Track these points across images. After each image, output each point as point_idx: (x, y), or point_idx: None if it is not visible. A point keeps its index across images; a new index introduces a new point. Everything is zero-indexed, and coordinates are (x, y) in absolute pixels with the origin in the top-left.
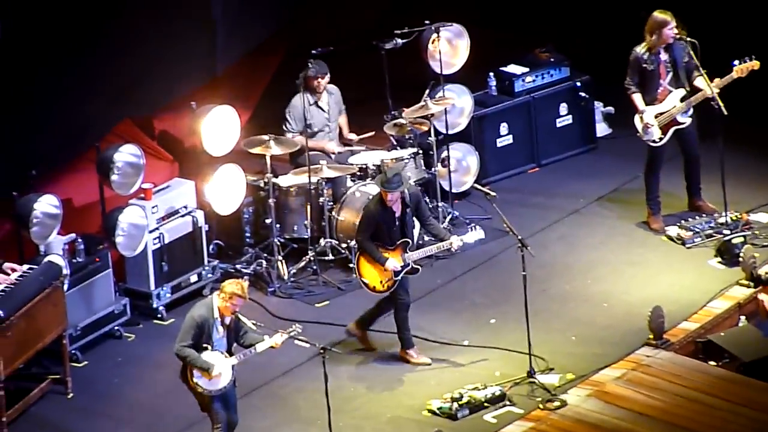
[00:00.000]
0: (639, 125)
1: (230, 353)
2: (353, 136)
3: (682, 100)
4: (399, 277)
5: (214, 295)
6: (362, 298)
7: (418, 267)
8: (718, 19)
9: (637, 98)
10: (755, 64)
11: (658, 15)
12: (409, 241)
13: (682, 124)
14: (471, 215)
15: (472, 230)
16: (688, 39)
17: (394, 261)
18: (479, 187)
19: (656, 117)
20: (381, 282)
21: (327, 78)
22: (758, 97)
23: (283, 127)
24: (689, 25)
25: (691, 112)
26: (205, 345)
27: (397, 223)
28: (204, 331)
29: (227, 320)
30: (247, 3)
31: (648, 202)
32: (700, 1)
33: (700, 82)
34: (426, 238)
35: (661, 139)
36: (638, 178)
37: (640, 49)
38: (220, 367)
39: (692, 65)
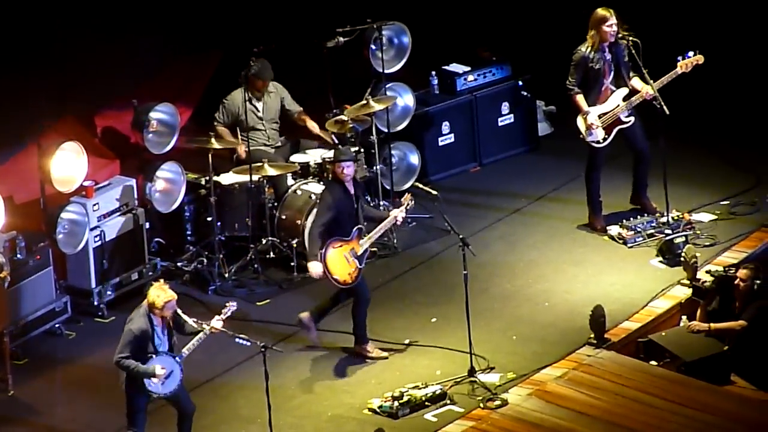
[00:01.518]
0: (582, 126)
1: (173, 349)
2: (315, 126)
3: (625, 99)
4: (363, 265)
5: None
6: (304, 296)
7: (375, 250)
8: (663, 16)
9: (581, 99)
10: (699, 59)
11: (599, 11)
12: (362, 227)
13: (626, 123)
14: (413, 214)
15: (405, 201)
16: (630, 38)
17: (356, 248)
18: (421, 186)
19: (600, 117)
20: (349, 273)
21: (269, 82)
22: (699, 97)
23: (215, 115)
24: (634, 22)
25: (632, 111)
26: (150, 353)
27: (353, 205)
28: (145, 342)
29: (164, 321)
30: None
31: (589, 202)
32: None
33: (636, 82)
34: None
35: (605, 139)
36: (580, 178)
37: (585, 49)
38: (168, 368)
39: (632, 64)
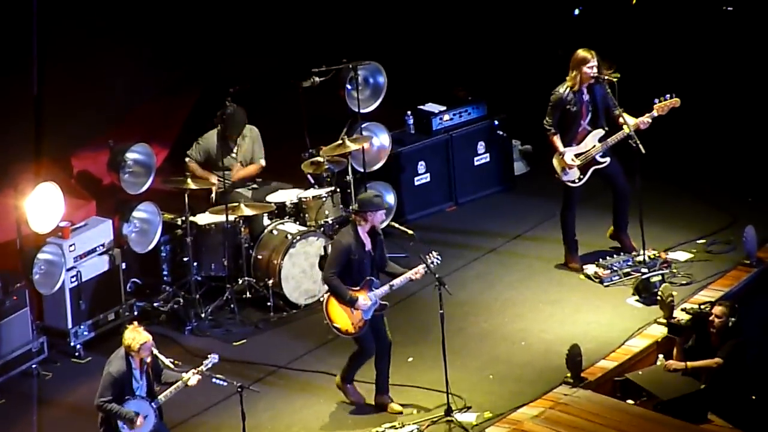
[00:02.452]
0: (558, 166)
1: (152, 395)
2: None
3: (601, 140)
4: (369, 317)
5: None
6: (281, 336)
7: (386, 303)
8: (640, 58)
9: (557, 139)
10: (676, 102)
11: (580, 52)
12: (374, 278)
13: (601, 163)
14: (389, 254)
15: (429, 257)
16: (607, 78)
17: (363, 299)
18: (397, 225)
19: (576, 157)
20: (352, 324)
21: (242, 130)
22: (675, 136)
23: (188, 151)
24: (612, 63)
25: (608, 152)
26: (127, 397)
27: (368, 257)
28: (124, 384)
29: (144, 365)
30: (164, 44)
31: (565, 242)
32: (622, 40)
33: (627, 118)
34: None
35: (580, 179)
36: (555, 217)
37: (564, 90)
38: (143, 413)
39: (611, 104)
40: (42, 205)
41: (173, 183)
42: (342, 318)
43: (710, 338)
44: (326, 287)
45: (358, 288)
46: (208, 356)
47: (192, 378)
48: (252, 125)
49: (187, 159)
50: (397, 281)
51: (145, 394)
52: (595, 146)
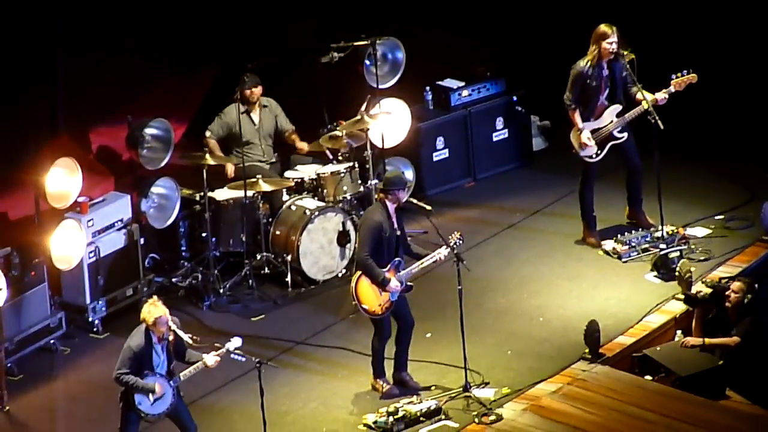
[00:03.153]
0: (575, 142)
1: (171, 373)
2: (304, 146)
3: (618, 115)
4: (395, 298)
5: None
6: (299, 312)
7: (412, 284)
8: (658, 33)
9: (577, 115)
10: (693, 78)
11: (601, 27)
12: (401, 260)
13: (619, 139)
14: (408, 231)
15: (451, 237)
16: (626, 53)
17: (393, 281)
18: (415, 201)
19: (593, 133)
20: (380, 305)
21: (259, 89)
22: (694, 111)
23: (209, 126)
24: (630, 39)
25: (627, 128)
26: (146, 371)
27: (395, 236)
28: (143, 359)
29: (165, 341)
30: (183, 20)
31: (583, 217)
32: (641, 15)
33: (639, 96)
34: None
35: (597, 154)
36: (574, 193)
37: (584, 64)
38: (161, 390)
39: (629, 80)
40: (60, 180)
41: (191, 158)
42: (370, 299)
43: (726, 313)
44: (357, 265)
45: (387, 269)
46: (231, 339)
47: (210, 359)
48: (269, 98)
49: (207, 134)
50: (423, 264)
51: (165, 372)
52: (612, 121)
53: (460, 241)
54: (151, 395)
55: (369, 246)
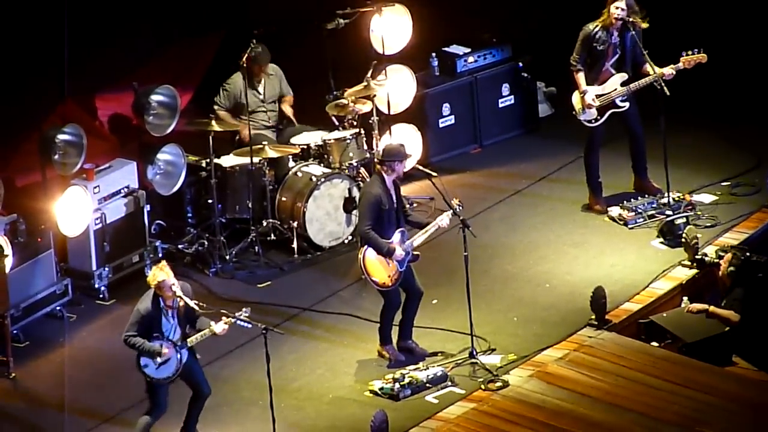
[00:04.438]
0: (577, 104)
1: (185, 337)
2: (288, 111)
3: (623, 84)
4: (403, 268)
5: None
6: (305, 278)
7: (418, 254)
8: (670, 9)
9: (581, 77)
10: (703, 57)
11: None
12: (404, 230)
13: (620, 108)
14: (414, 196)
15: (453, 205)
16: (634, 21)
17: (399, 251)
18: (421, 167)
19: (596, 97)
20: (389, 276)
21: (267, 65)
22: (700, 77)
23: (215, 98)
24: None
25: (630, 98)
26: (155, 335)
27: (393, 207)
28: (152, 323)
29: (174, 307)
30: None
31: (589, 184)
32: None
33: (647, 67)
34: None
35: (597, 120)
36: (580, 159)
37: (593, 27)
38: (167, 353)
39: (639, 51)
40: (67, 146)
41: (198, 125)
42: (379, 271)
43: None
44: (361, 240)
45: (390, 240)
46: (242, 309)
47: (218, 327)
48: (274, 65)
49: (215, 107)
50: (428, 231)
51: (177, 337)
52: (617, 89)
53: (460, 207)
54: (158, 358)
55: (369, 219)
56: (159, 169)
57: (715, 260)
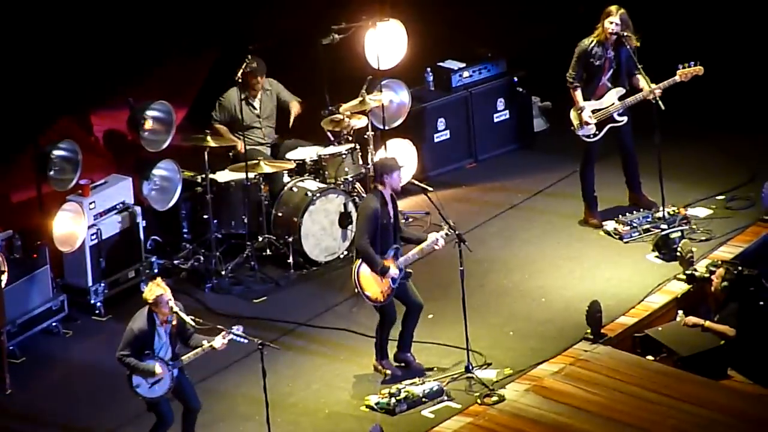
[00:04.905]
0: (575, 119)
1: (175, 356)
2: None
3: (621, 99)
4: (396, 285)
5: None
6: (301, 293)
7: (411, 271)
8: (665, 22)
9: (578, 93)
10: (699, 70)
11: (609, 7)
12: (399, 247)
13: (619, 122)
14: (409, 211)
15: (444, 225)
16: (628, 36)
17: (393, 268)
18: (417, 182)
19: (594, 113)
20: (381, 292)
21: (264, 78)
22: (695, 92)
23: (212, 113)
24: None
25: (627, 113)
26: (146, 352)
27: (390, 222)
28: (145, 341)
29: (168, 324)
30: (185, 3)
31: (584, 198)
32: (648, 3)
33: (641, 81)
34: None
35: (595, 135)
36: (575, 174)
37: (588, 42)
38: (160, 373)
39: (632, 66)
40: (62, 162)
41: (194, 141)
42: (372, 286)
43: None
44: (356, 253)
45: (385, 257)
46: (234, 327)
47: (218, 342)
48: (271, 79)
49: (212, 121)
50: (420, 250)
51: (169, 355)
52: (614, 104)
53: (452, 228)
54: (149, 378)
55: (367, 233)
56: (154, 184)
57: (706, 275)
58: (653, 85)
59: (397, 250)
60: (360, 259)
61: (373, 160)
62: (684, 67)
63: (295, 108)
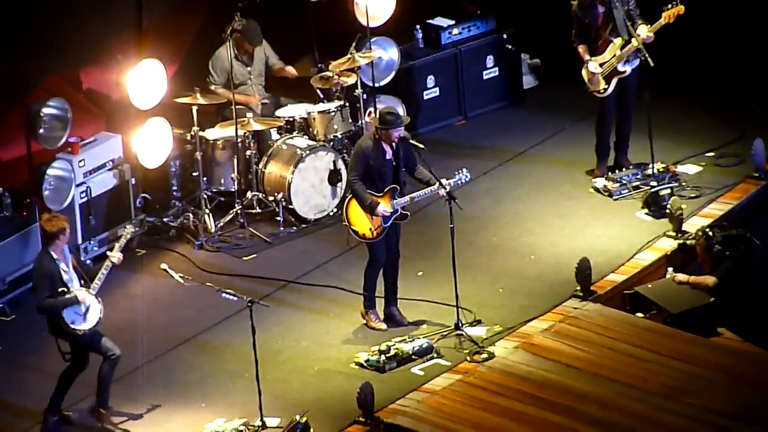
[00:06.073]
0: (585, 76)
1: (86, 284)
2: (292, 70)
3: (621, 49)
4: (388, 224)
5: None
6: (290, 251)
7: (407, 213)
8: None
9: (581, 49)
10: (680, 9)
11: None
12: (398, 187)
13: (623, 73)
14: None
15: (458, 173)
16: None
17: (383, 206)
18: (409, 140)
19: (600, 66)
20: (371, 229)
21: (260, 47)
22: (683, 48)
23: (207, 79)
24: None
25: (635, 62)
26: (61, 290)
27: (388, 165)
28: (54, 279)
29: (65, 255)
30: None
31: (596, 151)
32: None
33: (642, 29)
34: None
35: (605, 89)
36: (564, 131)
37: (576, 4)
38: (85, 299)
39: (632, 15)
40: (52, 120)
41: (182, 98)
42: (361, 221)
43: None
44: (347, 189)
45: (381, 195)
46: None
47: (116, 255)
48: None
49: (212, 87)
50: (418, 194)
51: (81, 285)
52: (616, 55)
53: (467, 177)
54: (81, 307)
55: (355, 170)
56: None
57: (697, 239)
58: (640, 33)
59: (395, 190)
60: (351, 195)
61: (362, 117)
62: (667, 9)
63: (291, 72)
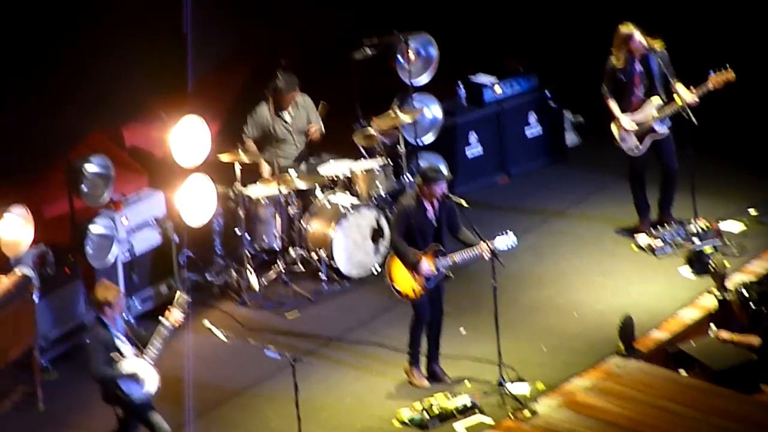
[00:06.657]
0: (615, 132)
1: (140, 352)
2: (316, 133)
3: (658, 110)
4: (431, 285)
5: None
6: (333, 309)
7: (451, 275)
8: (694, 29)
9: (613, 105)
10: (730, 75)
11: (622, 29)
12: (442, 247)
13: (659, 134)
14: None
15: (502, 235)
16: (658, 48)
17: (427, 264)
18: (451, 197)
19: (636, 124)
20: (413, 289)
21: (296, 92)
22: (727, 106)
23: (243, 128)
24: (665, 34)
25: (668, 122)
26: (112, 354)
27: (430, 224)
28: (111, 349)
29: (122, 325)
30: (216, 18)
31: (637, 208)
32: (674, 12)
33: (679, 88)
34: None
35: (638, 148)
36: (607, 189)
37: (615, 61)
38: (143, 371)
39: (668, 73)
40: (95, 177)
41: (225, 155)
42: (404, 281)
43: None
44: (390, 247)
45: (423, 253)
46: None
47: (167, 322)
48: (303, 93)
49: (243, 137)
50: (462, 257)
51: (135, 353)
52: (652, 115)
53: (514, 244)
54: (135, 380)
55: (397, 229)
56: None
57: (738, 297)
58: (687, 95)
59: (439, 251)
60: (393, 253)
61: (404, 175)
62: (716, 73)
63: (313, 133)
